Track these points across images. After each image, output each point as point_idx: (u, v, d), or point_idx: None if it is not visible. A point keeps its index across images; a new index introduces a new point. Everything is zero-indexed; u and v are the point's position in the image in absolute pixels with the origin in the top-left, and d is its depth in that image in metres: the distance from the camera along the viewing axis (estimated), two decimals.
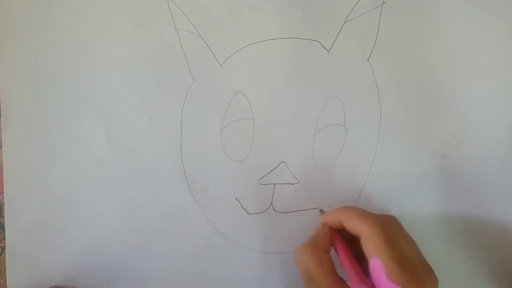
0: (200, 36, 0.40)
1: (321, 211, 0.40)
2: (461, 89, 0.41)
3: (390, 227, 0.33)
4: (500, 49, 0.41)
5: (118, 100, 0.40)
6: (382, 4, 0.40)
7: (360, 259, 0.35)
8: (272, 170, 0.41)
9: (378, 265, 0.32)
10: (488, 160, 0.41)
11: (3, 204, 0.40)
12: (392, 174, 0.41)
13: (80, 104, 0.40)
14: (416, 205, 0.41)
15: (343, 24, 0.40)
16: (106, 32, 0.40)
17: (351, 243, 0.36)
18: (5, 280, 0.40)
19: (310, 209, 0.41)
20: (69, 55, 0.40)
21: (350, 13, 0.40)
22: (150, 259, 0.41)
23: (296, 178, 0.41)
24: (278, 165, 0.41)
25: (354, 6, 0.40)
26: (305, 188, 0.41)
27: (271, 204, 0.41)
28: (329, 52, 0.40)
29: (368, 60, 0.41)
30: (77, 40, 0.40)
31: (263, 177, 0.41)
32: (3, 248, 0.40)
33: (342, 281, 0.33)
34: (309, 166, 0.41)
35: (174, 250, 0.41)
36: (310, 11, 0.40)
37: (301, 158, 0.41)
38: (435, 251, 0.42)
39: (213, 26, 0.40)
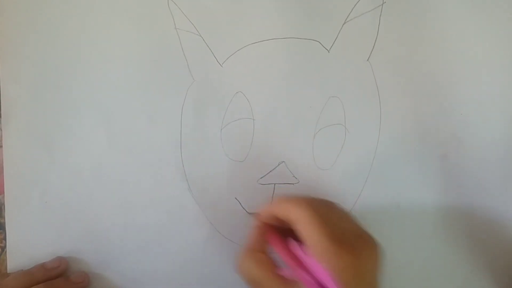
0: (200, 36, 0.40)
1: (253, 214, 0.39)
2: (461, 89, 0.41)
3: (317, 206, 0.33)
4: (500, 49, 0.41)
5: (118, 100, 0.40)
6: (382, 4, 0.40)
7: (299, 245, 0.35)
8: (272, 170, 0.41)
9: (295, 245, 0.32)
10: (488, 160, 0.41)
11: (3, 204, 0.40)
12: (392, 174, 0.41)
13: (80, 104, 0.40)
14: (416, 205, 0.42)
15: (343, 24, 0.40)
16: (107, 32, 0.40)
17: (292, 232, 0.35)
18: None
19: None
20: (69, 55, 0.40)
21: (350, 13, 0.40)
22: (150, 259, 0.41)
23: (296, 178, 0.41)
24: (278, 165, 0.41)
25: (354, 6, 0.40)
26: (305, 188, 0.41)
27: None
28: (329, 52, 0.40)
29: (368, 60, 0.41)
30: (78, 40, 0.40)
31: (263, 177, 0.41)
32: (3, 248, 0.40)
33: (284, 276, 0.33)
34: (309, 166, 0.41)
35: (174, 250, 0.41)
36: (310, 11, 0.40)
37: (301, 158, 0.41)
38: (435, 250, 0.42)
39: (213, 26, 0.40)
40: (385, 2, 0.40)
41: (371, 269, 0.31)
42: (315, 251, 0.31)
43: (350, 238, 0.32)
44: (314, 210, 0.32)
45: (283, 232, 0.36)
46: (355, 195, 0.41)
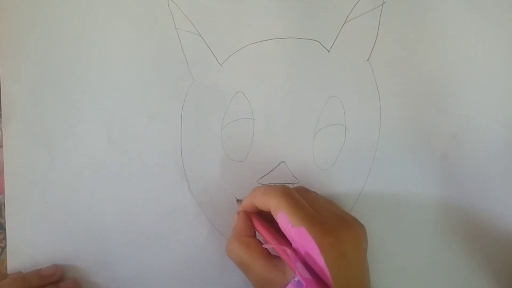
0: (200, 36, 0.40)
1: (237, 199, 0.40)
2: (461, 89, 0.41)
3: (293, 193, 0.34)
4: (500, 49, 0.41)
5: (119, 100, 0.40)
6: (382, 4, 0.40)
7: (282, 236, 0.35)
8: (272, 170, 0.41)
9: (282, 217, 0.32)
10: (488, 160, 0.41)
11: (3, 204, 0.40)
12: (392, 174, 0.41)
13: (80, 104, 0.40)
14: (416, 204, 0.41)
15: (343, 24, 0.40)
16: (107, 32, 0.40)
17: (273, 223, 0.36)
18: None
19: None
20: (69, 55, 0.40)
21: (350, 13, 0.40)
22: (150, 258, 0.41)
23: (296, 178, 0.41)
24: (278, 165, 0.41)
25: (354, 6, 0.40)
26: None
27: None
28: (329, 52, 0.40)
29: (368, 60, 0.41)
30: (78, 40, 0.40)
31: (263, 177, 0.41)
32: (3, 248, 0.40)
33: (274, 256, 0.34)
34: (309, 166, 0.41)
35: (174, 250, 0.41)
36: (310, 11, 0.40)
37: (301, 158, 0.41)
38: (435, 250, 0.42)
39: (213, 26, 0.40)
40: (385, 2, 0.40)
41: (353, 249, 0.32)
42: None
43: (330, 220, 0.32)
44: (290, 197, 0.33)
45: (269, 216, 0.36)
46: (355, 195, 0.41)
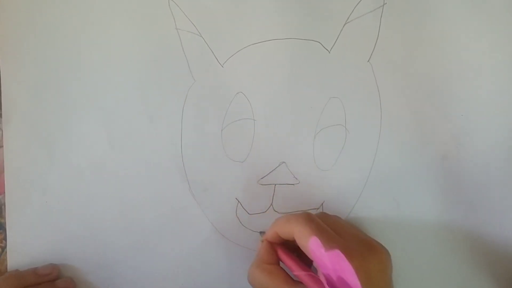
0: (201, 36, 0.40)
1: (261, 233, 0.40)
2: (461, 90, 0.41)
3: (316, 219, 0.34)
4: (500, 49, 0.41)
5: (119, 100, 0.40)
6: (383, 5, 0.40)
7: (308, 265, 0.35)
8: (272, 171, 0.41)
9: (315, 243, 0.32)
10: (488, 161, 0.41)
11: (3, 204, 0.40)
12: (392, 175, 0.41)
13: (81, 104, 0.40)
14: (416, 205, 0.42)
15: (344, 25, 0.40)
16: (107, 32, 0.40)
17: (298, 254, 0.36)
18: None
19: (310, 209, 0.42)
20: (70, 55, 0.40)
21: (351, 14, 0.40)
22: (150, 259, 0.41)
23: (296, 178, 0.41)
24: (279, 165, 0.41)
25: (355, 6, 0.40)
26: (305, 189, 0.41)
27: (271, 204, 0.41)
28: (329, 52, 0.40)
29: (369, 60, 0.41)
30: (78, 40, 0.40)
31: (263, 177, 0.41)
32: (3, 248, 0.40)
33: (297, 283, 0.34)
34: (309, 167, 0.41)
35: (174, 250, 0.41)
36: (311, 12, 0.40)
37: (301, 159, 0.41)
38: (435, 251, 0.42)
39: (214, 26, 0.40)
40: (386, 3, 0.40)
41: (379, 274, 0.32)
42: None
43: (355, 245, 0.32)
44: (313, 222, 0.33)
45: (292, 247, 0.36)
46: (355, 196, 0.42)
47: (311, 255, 0.33)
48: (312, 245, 0.32)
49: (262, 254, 0.36)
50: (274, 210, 0.41)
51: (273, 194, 0.41)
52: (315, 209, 0.41)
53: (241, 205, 0.41)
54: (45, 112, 0.40)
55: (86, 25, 0.40)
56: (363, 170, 0.41)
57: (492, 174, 0.41)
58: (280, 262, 0.37)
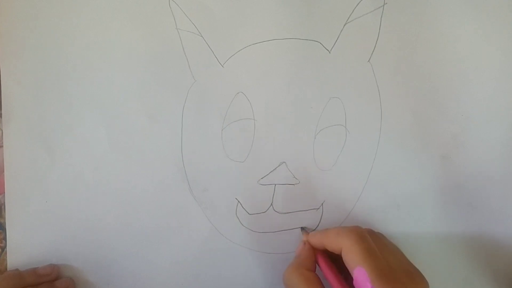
0: (201, 36, 0.40)
1: (303, 228, 0.40)
2: (461, 90, 0.41)
3: (367, 238, 0.34)
4: (500, 50, 0.41)
5: (119, 100, 0.40)
6: (383, 5, 0.40)
7: (344, 278, 0.35)
8: (272, 171, 0.41)
9: (361, 273, 0.31)
10: (488, 161, 0.41)
11: (3, 204, 0.40)
12: (392, 175, 0.41)
13: (81, 104, 0.40)
14: (416, 205, 0.42)
15: (344, 25, 0.40)
16: (107, 32, 0.40)
17: (334, 262, 0.36)
18: None
19: (311, 209, 0.42)
20: (70, 55, 0.40)
21: (351, 14, 0.40)
22: (149, 259, 0.41)
23: (296, 178, 0.41)
24: (279, 165, 0.41)
25: (356, 7, 0.40)
26: (305, 189, 0.41)
27: (271, 204, 0.41)
28: (330, 52, 0.40)
29: (369, 61, 0.41)
30: (79, 40, 0.40)
31: (263, 177, 0.41)
32: (3, 248, 0.40)
33: None
34: (309, 167, 0.41)
35: (174, 250, 0.41)
36: (311, 12, 0.40)
37: (301, 159, 0.41)
38: (435, 251, 0.42)
39: (214, 26, 0.40)
40: (386, 3, 0.40)
41: None
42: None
43: (398, 273, 0.32)
44: (365, 242, 0.33)
45: (331, 255, 0.36)
46: (355, 196, 0.42)
47: (355, 282, 0.32)
48: (358, 276, 0.32)
49: (303, 258, 0.36)
50: (274, 210, 0.41)
51: (273, 194, 0.41)
52: (315, 209, 0.41)
53: (241, 205, 0.41)
54: (45, 112, 0.40)
55: (86, 25, 0.40)
56: (363, 170, 0.41)
57: (492, 174, 0.42)
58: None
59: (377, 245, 0.34)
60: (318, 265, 0.37)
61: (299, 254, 0.37)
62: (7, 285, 0.37)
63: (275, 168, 0.41)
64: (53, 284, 0.39)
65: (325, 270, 0.36)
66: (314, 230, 0.40)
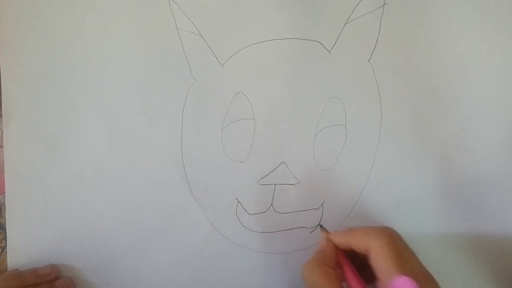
0: (201, 36, 0.40)
1: (321, 226, 0.39)
2: (461, 90, 0.41)
3: (396, 240, 0.33)
4: (500, 50, 0.41)
5: (119, 100, 0.40)
6: (384, 5, 0.40)
7: (365, 278, 0.35)
8: (272, 171, 0.41)
9: (405, 282, 0.30)
10: (488, 161, 0.42)
11: (3, 204, 0.40)
12: (392, 175, 0.41)
13: (81, 104, 0.40)
14: (416, 205, 0.42)
15: (345, 25, 0.40)
16: (107, 32, 0.40)
17: (353, 262, 0.36)
18: None
19: (311, 209, 0.42)
20: (70, 55, 0.40)
21: (351, 14, 0.40)
22: (150, 259, 0.41)
23: (296, 178, 0.41)
24: (279, 165, 0.41)
25: (356, 7, 0.40)
26: (305, 189, 0.41)
27: (271, 204, 0.41)
28: (330, 52, 0.40)
29: (369, 61, 0.41)
30: (78, 40, 0.40)
31: (263, 177, 0.41)
32: (3, 248, 0.40)
33: None
34: (309, 167, 0.41)
35: (174, 250, 0.41)
36: (312, 12, 0.40)
37: (301, 159, 0.41)
38: (435, 251, 0.42)
39: (214, 26, 0.40)
40: (387, 3, 0.40)
41: None
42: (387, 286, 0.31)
43: (420, 279, 0.31)
44: (396, 245, 0.33)
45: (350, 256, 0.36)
46: (355, 196, 0.42)
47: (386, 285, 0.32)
48: (402, 285, 0.30)
49: (326, 255, 0.36)
50: (274, 210, 0.41)
51: (273, 194, 0.41)
52: (315, 209, 0.42)
53: (241, 205, 0.41)
54: (45, 112, 0.40)
55: (86, 25, 0.40)
56: (363, 170, 0.41)
57: (491, 174, 0.42)
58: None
59: (403, 248, 0.34)
60: (339, 264, 0.36)
61: (321, 250, 0.36)
62: (7, 285, 0.37)
63: (275, 168, 0.41)
64: (53, 284, 0.39)
65: (347, 269, 0.35)
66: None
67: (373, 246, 0.33)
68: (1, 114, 0.40)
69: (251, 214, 0.41)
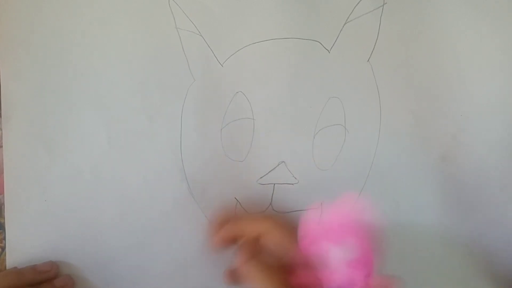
0: (201, 35, 0.40)
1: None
2: (460, 90, 0.41)
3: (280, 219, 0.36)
4: (499, 50, 0.41)
5: (119, 100, 0.40)
6: (383, 5, 0.40)
7: None
8: (271, 170, 0.41)
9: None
10: (487, 161, 0.42)
11: (3, 204, 0.40)
12: (391, 175, 0.41)
13: (80, 103, 0.40)
14: (416, 205, 0.42)
15: (344, 25, 0.40)
16: (107, 32, 0.40)
17: None
18: None
19: (310, 209, 0.42)
20: (70, 54, 0.40)
21: (351, 14, 0.40)
22: (149, 258, 0.41)
23: (295, 178, 0.41)
24: (278, 165, 0.41)
25: (355, 6, 0.40)
26: (304, 188, 0.41)
27: (270, 204, 0.41)
28: (329, 52, 0.40)
29: (368, 60, 0.41)
30: (78, 40, 0.40)
31: (262, 177, 0.41)
32: (3, 248, 0.40)
33: None
34: (308, 166, 0.41)
35: (173, 250, 0.41)
36: (311, 12, 0.40)
37: (300, 158, 0.41)
38: (435, 250, 0.42)
39: (214, 25, 0.40)
40: (386, 3, 0.40)
41: None
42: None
43: None
44: (282, 221, 0.35)
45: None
46: (354, 196, 0.42)
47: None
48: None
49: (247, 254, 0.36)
50: (273, 210, 0.41)
51: (272, 194, 0.41)
52: (314, 208, 0.42)
53: (240, 204, 0.41)
54: (45, 112, 0.40)
55: (86, 25, 0.40)
56: (363, 170, 0.41)
57: (491, 174, 0.42)
58: None
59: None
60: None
61: (242, 254, 0.36)
62: (7, 283, 0.37)
63: (274, 168, 0.41)
64: (52, 282, 0.39)
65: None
66: None
67: (266, 226, 0.35)
68: (1, 114, 0.40)
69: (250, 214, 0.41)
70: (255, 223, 0.37)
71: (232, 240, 0.38)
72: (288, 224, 0.35)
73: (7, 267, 0.40)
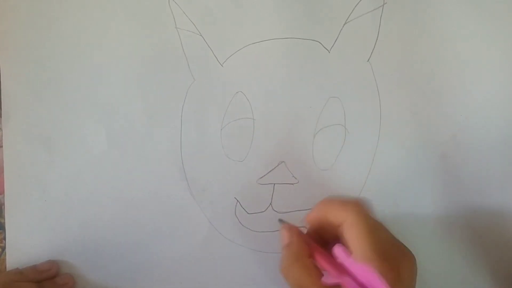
0: (201, 35, 0.40)
1: (281, 220, 0.37)
2: (461, 90, 0.41)
3: (369, 215, 0.32)
4: (500, 49, 0.41)
5: (118, 100, 0.40)
6: (383, 5, 0.40)
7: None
8: (271, 170, 0.41)
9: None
10: (487, 160, 0.41)
11: (3, 204, 0.40)
12: (391, 175, 0.41)
13: (80, 103, 0.40)
14: (416, 205, 0.42)
15: (344, 25, 0.40)
16: (107, 31, 0.40)
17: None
18: None
19: (310, 209, 0.41)
20: (69, 54, 0.40)
21: (351, 14, 0.40)
22: (149, 258, 0.41)
23: (295, 178, 0.41)
24: (278, 165, 0.41)
25: (355, 6, 0.40)
26: (304, 188, 0.41)
27: (270, 204, 0.41)
28: (329, 52, 0.40)
29: (368, 60, 0.41)
30: (78, 40, 0.40)
31: (262, 177, 0.41)
32: (3, 248, 0.40)
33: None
34: (308, 166, 0.41)
35: (173, 250, 0.41)
36: (311, 11, 0.40)
37: (300, 158, 0.41)
38: (435, 250, 0.42)
39: (213, 25, 0.40)
40: (386, 3, 0.40)
41: (408, 280, 0.31)
42: (359, 258, 0.30)
43: (391, 250, 0.31)
44: (367, 217, 0.32)
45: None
46: (354, 195, 0.42)
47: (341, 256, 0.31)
48: (339, 252, 0.31)
49: (297, 246, 0.34)
50: (273, 210, 0.41)
51: (272, 194, 0.41)
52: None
53: (240, 204, 0.41)
54: (45, 112, 0.40)
55: (86, 24, 0.40)
56: (363, 170, 0.41)
57: (491, 174, 0.42)
58: None
59: (375, 222, 0.33)
60: (312, 253, 0.34)
61: (290, 242, 0.34)
62: (8, 284, 0.37)
63: (274, 168, 0.41)
64: (53, 280, 0.39)
65: (321, 260, 0.33)
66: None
67: (348, 219, 0.32)
68: (1, 114, 0.40)
69: (250, 214, 0.41)
70: (344, 207, 0.32)
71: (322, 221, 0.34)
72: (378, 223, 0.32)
73: (7, 267, 0.40)
